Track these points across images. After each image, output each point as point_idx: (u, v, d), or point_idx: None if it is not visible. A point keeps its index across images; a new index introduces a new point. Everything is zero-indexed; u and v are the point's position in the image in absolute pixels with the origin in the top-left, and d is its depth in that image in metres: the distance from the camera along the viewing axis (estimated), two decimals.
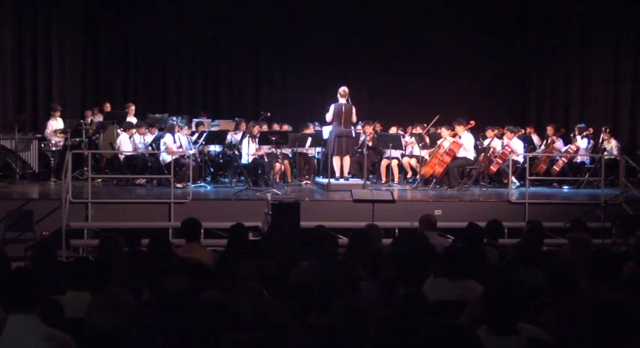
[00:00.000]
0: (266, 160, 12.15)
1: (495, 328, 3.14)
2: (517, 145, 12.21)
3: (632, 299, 3.94)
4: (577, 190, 11.98)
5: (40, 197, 10.02)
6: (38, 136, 12.22)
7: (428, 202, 10.34)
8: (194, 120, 13.45)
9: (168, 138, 11.63)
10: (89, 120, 13.31)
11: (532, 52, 16.38)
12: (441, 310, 4.21)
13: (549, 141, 13.02)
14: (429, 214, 7.14)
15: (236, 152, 11.93)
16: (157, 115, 13.39)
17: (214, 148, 12.50)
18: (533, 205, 10.20)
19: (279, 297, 4.15)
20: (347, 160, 11.52)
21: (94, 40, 15.18)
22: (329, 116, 11.23)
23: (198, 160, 11.90)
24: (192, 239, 5.97)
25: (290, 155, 12.76)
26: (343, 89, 11.23)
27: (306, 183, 12.33)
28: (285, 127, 13.24)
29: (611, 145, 12.79)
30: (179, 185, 10.94)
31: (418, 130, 12.81)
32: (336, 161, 11.48)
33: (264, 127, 12.68)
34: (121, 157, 11.96)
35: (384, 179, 12.51)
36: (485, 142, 12.42)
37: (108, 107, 13.48)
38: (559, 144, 13.08)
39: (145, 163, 11.85)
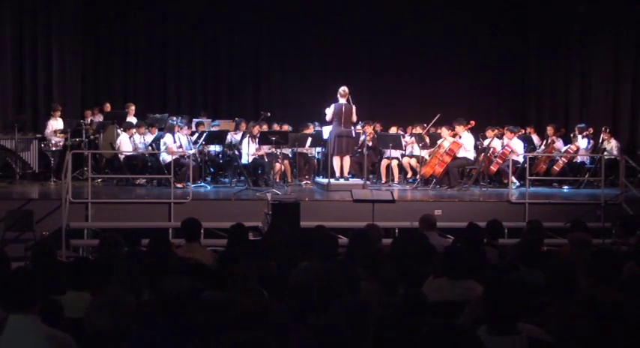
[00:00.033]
0: (266, 160, 12.15)
1: (495, 328, 3.14)
2: (517, 145, 12.21)
3: (632, 299, 3.94)
4: (577, 190, 11.98)
5: (40, 197, 10.02)
6: (38, 136, 12.22)
7: (428, 202, 10.34)
8: (194, 120, 13.45)
9: (168, 138, 11.64)
10: (89, 120, 13.32)
11: (532, 52, 16.38)
12: (441, 310, 4.21)
13: (549, 141, 13.02)
14: (428, 214, 7.14)
15: (236, 152, 11.93)
16: (157, 115, 13.39)
17: (214, 148, 12.50)
18: (533, 205, 10.20)
19: (279, 297, 4.16)
20: (347, 160, 11.52)
21: (94, 40, 15.19)
22: (328, 115, 11.23)
23: (198, 160, 11.90)
24: (192, 239, 5.97)
25: (290, 155, 12.76)
26: (343, 89, 11.22)
27: (306, 183, 12.33)
28: (285, 127, 13.24)
29: (611, 145, 12.79)
30: (179, 185, 10.94)
31: (418, 130, 12.81)
32: (336, 161, 11.48)
33: (264, 127, 12.68)
34: (121, 157, 11.96)
35: (384, 179, 12.51)
36: (486, 142, 12.42)
37: (108, 107, 13.48)
38: (559, 144, 13.08)
39: (145, 163, 11.85)
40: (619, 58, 14.59)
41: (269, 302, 3.88)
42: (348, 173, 11.58)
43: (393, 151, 12.41)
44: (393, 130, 13.61)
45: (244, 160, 11.90)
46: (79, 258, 8.19)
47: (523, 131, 13.55)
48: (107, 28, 15.27)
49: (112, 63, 15.44)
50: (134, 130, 12.16)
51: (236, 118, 13.14)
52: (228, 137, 12.22)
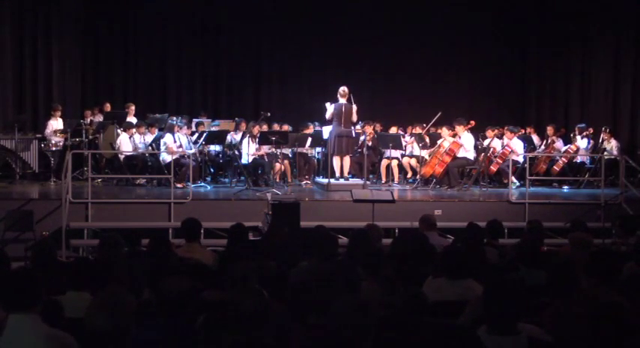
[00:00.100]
0: (266, 160, 12.15)
1: (495, 328, 3.14)
2: (517, 145, 12.21)
3: (632, 299, 3.94)
4: (577, 190, 11.98)
5: (40, 197, 10.02)
6: (38, 136, 12.22)
7: (428, 202, 10.34)
8: (194, 120, 13.45)
9: (168, 138, 11.64)
10: (89, 120, 13.32)
11: (532, 52, 16.39)
12: (441, 310, 4.21)
13: (549, 141, 13.03)
14: (428, 214, 7.15)
15: (236, 152, 11.93)
16: (157, 115, 13.39)
17: (214, 148, 12.50)
18: (533, 205, 10.20)
19: (279, 297, 4.15)
20: (347, 160, 11.52)
21: (94, 40, 15.19)
22: (328, 113, 11.24)
23: (199, 160, 11.90)
24: (192, 239, 5.97)
25: (290, 155, 12.76)
26: (343, 89, 11.23)
27: (306, 183, 12.33)
28: (285, 127, 13.24)
29: (611, 145, 12.79)
30: (179, 185, 10.94)
31: (418, 130, 12.82)
32: (336, 161, 11.48)
33: (264, 127, 12.69)
34: (121, 157, 11.97)
35: (384, 179, 12.51)
36: (486, 142, 12.42)
37: (108, 107, 13.49)
38: (559, 144, 13.08)
39: (145, 163, 11.85)
40: (619, 58, 14.59)
41: (269, 302, 3.88)
42: (348, 173, 11.58)
43: (393, 151, 12.41)
44: (393, 130, 13.61)
45: (244, 160, 11.90)
46: (79, 258, 8.19)
47: (523, 131, 13.55)
48: (107, 28, 15.28)
49: (112, 63, 15.45)
50: (134, 130, 12.16)
51: (236, 118, 13.14)
52: (228, 137, 12.22)
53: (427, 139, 12.26)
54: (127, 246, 5.63)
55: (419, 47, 16.04)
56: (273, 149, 12.05)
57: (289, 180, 12.39)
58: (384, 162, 12.59)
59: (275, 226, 7.74)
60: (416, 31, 15.90)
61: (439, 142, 11.99)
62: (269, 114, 12.60)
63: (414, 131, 12.99)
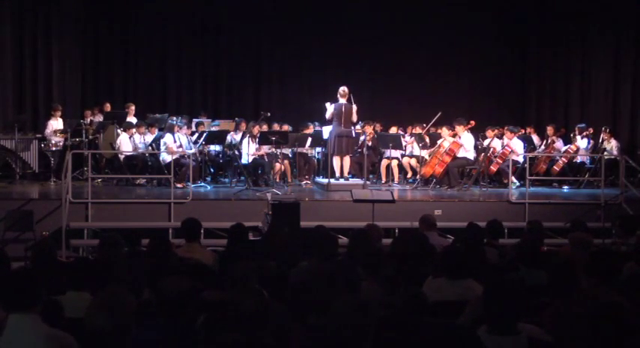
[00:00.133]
0: (266, 160, 12.15)
1: (495, 328, 3.14)
2: (517, 145, 12.21)
3: (632, 299, 3.94)
4: (577, 190, 11.98)
5: (40, 197, 10.02)
6: (38, 136, 12.22)
7: (428, 202, 10.34)
8: (194, 120, 13.45)
9: (168, 138, 11.64)
10: (89, 120, 13.33)
11: (532, 52, 16.39)
12: (441, 310, 4.21)
13: (549, 141, 13.03)
14: (428, 214, 7.15)
15: (236, 152, 11.93)
16: (157, 115, 13.39)
17: (214, 148, 12.50)
18: (533, 205, 10.19)
19: (279, 297, 4.15)
20: (347, 160, 11.52)
21: (94, 40, 15.19)
22: (328, 113, 11.24)
23: (199, 160, 11.90)
24: (192, 239, 5.97)
25: (290, 155, 12.76)
26: (343, 89, 11.23)
27: (306, 183, 12.33)
28: (285, 127, 13.24)
29: (611, 145, 12.79)
30: (179, 185, 10.94)
31: (418, 130, 12.82)
32: (336, 161, 11.48)
33: (264, 127, 12.69)
34: (121, 157, 11.97)
35: (384, 179, 12.51)
36: (485, 142, 12.42)
37: (108, 107, 13.49)
38: (559, 144, 13.08)
39: (145, 163, 11.86)
40: (619, 58, 14.59)
41: (269, 302, 3.88)
42: (348, 173, 11.59)
43: (393, 151, 12.41)
44: (393, 130, 13.61)
45: (244, 160, 11.90)
46: (79, 258, 8.19)
47: (523, 131, 13.55)
48: (107, 28, 15.28)
49: (112, 63, 15.44)
50: (134, 130, 12.16)
51: (236, 118, 13.14)
52: (228, 138, 12.22)
53: (427, 139, 12.26)
54: (127, 246, 5.63)
55: (419, 47, 16.03)
56: (273, 149, 12.05)
57: (289, 180, 12.39)
58: (384, 162, 12.59)
59: (275, 226, 7.75)
60: (416, 31, 15.90)
61: (439, 142, 11.99)
62: (269, 114, 12.60)
63: (414, 131, 12.99)
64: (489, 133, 12.42)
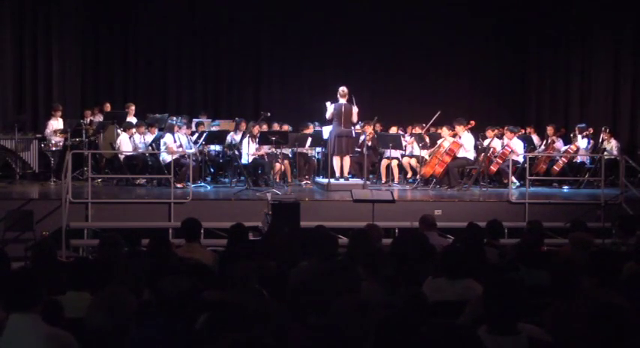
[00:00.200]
0: (266, 160, 12.15)
1: (495, 328, 3.14)
2: (517, 145, 12.21)
3: (632, 299, 3.94)
4: (577, 190, 11.98)
5: (40, 197, 10.02)
6: (38, 136, 12.22)
7: (428, 202, 10.34)
8: (194, 120, 13.45)
9: (168, 138, 11.64)
10: (89, 120, 13.33)
11: (532, 52, 16.39)
12: (441, 310, 4.21)
13: (549, 141, 13.03)
14: (428, 214, 7.15)
15: (236, 152, 11.93)
16: (157, 115, 13.40)
17: (214, 148, 12.50)
18: (533, 205, 10.19)
19: (279, 297, 4.15)
20: (347, 160, 11.52)
21: (94, 40, 15.19)
22: (328, 113, 11.25)
23: (199, 160, 11.90)
24: (192, 239, 5.97)
25: (290, 155, 12.76)
26: (343, 89, 11.23)
27: (306, 183, 12.33)
28: (285, 127, 13.24)
29: (611, 145, 12.79)
30: (179, 185, 10.94)
31: (418, 130, 12.82)
32: (336, 161, 11.48)
33: (264, 127, 12.69)
34: (121, 157, 11.97)
35: (384, 179, 12.51)
36: (485, 142, 12.42)
37: (108, 107, 13.49)
38: (559, 144, 13.08)
39: (145, 163, 11.86)
40: (619, 58, 14.59)
41: (269, 302, 3.88)
42: (348, 173, 11.59)
43: (393, 151, 12.41)
44: (393, 130, 13.61)
45: (244, 160, 11.90)
46: (79, 258, 8.19)
47: (523, 131, 13.55)
48: (107, 28, 15.28)
49: (112, 63, 15.45)
50: (134, 130, 12.16)
51: (236, 118, 13.13)
52: (228, 138, 12.22)
53: (427, 139, 12.26)
54: (127, 246, 5.63)
55: (419, 47, 16.03)
56: (273, 149, 12.05)
57: (289, 180, 12.39)
58: (384, 162, 12.59)
59: (275, 226, 7.75)
60: (416, 32, 15.90)
61: (439, 142, 11.99)
62: (269, 114, 12.59)
63: (414, 131, 12.99)
64: (489, 133, 12.42)
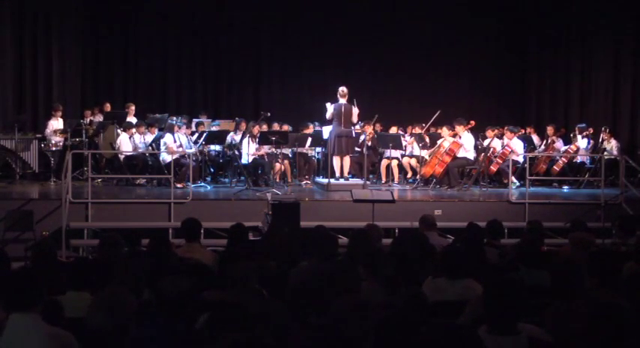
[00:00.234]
0: (266, 160, 12.15)
1: (495, 328, 3.14)
2: (517, 145, 12.21)
3: (632, 299, 3.94)
4: (577, 190, 11.98)
5: (40, 197, 10.02)
6: (38, 136, 12.22)
7: (428, 202, 10.34)
8: (194, 120, 13.46)
9: (168, 138, 11.64)
10: (89, 120, 13.33)
11: (532, 51, 16.40)
12: (441, 310, 4.21)
13: (549, 141, 13.03)
14: (428, 214, 7.14)
15: (236, 152, 11.93)
16: (157, 115, 13.40)
17: (214, 148, 12.50)
18: (533, 205, 10.19)
19: (279, 297, 4.15)
20: (347, 160, 11.53)
21: (94, 40, 15.20)
22: (328, 113, 11.25)
23: (199, 160, 11.90)
24: (192, 239, 5.97)
25: (290, 155, 12.76)
26: (342, 89, 11.24)
27: (306, 183, 12.33)
28: (285, 127, 13.25)
29: (611, 145, 12.79)
30: (179, 185, 10.94)
31: (418, 130, 12.82)
32: (336, 161, 11.48)
33: (264, 127, 12.69)
34: (121, 157, 11.97)
35: (384, 179, 12.51)
36: (485, 142, 12.42)
37: (108, 107, 13.50)
38: (559, 144, 13.08)
39: (145, 163, 11.86)
40: (619, 58, 14.59)
41: (269, 302, 3.87)
42: (348, 173, 11.59)
43: (393, 151, 12.41)
44: (393, 130, 13.61)
45: (244, 160, 11.90)
46: (79, 258, 8.19)
47: (523, 131, 13.56)
48: (107, 28, 15.29)
49: (112, 63, 15.46)
50: (134, 130, 12.16)
51: (236, 118, 13.14)
52: (228, 138, 12.22)
53: (427, 139, 12.26)
54: (127, 246, 5.63)
55: (419, 47, 16.04)
56: (273, 149, 12.05)
57: (289, 180, 12.39)
58: (384, 162, 12.59)
59: (275, 226, 7.74)
60: (416, 32, 15.90)
61: (439, 142, 11.99)
62: (269, 114, 12.60)
63: (414, 131, 12.99)
64: (489, 133, 12.42)
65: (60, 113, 12.35)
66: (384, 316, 3.47)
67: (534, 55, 16.35)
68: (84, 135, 12.32)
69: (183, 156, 11.47)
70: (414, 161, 12.58)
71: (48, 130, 12.19)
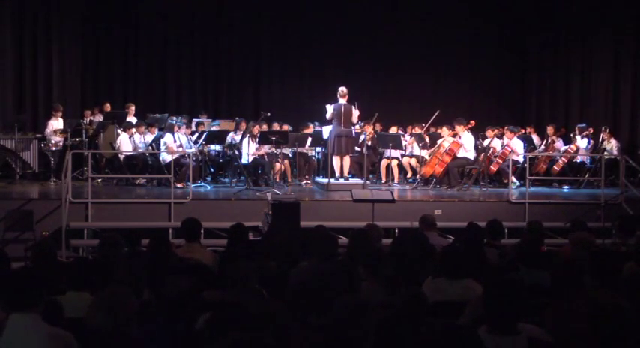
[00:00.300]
0: (266, 160, 12.15)
1: (495, 328, 3.14)
2: (517, 145, 12.21)
3: (632, 299, 3.94)
4: (577, 190, 11.98)
5: (40, 197, 10.01)
6: (38, 136, 12.22)
7: (428, 202, 10.34)
8: (194, 120, 13.46)
9: (168, 138, 11.64)
10: (89, 120, 13.33)
11: (532, 52, 16.39)
12: (441, 310, 4.21)
13: (549, 141, 13.03)
14: (428, 214, 7.14)
15: (236, 152, 11.93)
16: (157, 115, 13.40)
17: (214, 148, 12.50)
18: (533, 205, 10.19)
19: (279, 297, 4.15)
20: (347, 160, 11.53)
21: (94, 40, 15.20)
22: (328, 114, 11.26)
23: (199, 160, 11.90)
24: (192, 239, 5.97)
25: (290, 155, 12.76)
26: (342, 89, 11.24)
27: (306, 183, 12.33)
28: (285, 127, 13.25)
29: (611, 145, 12.79)
30: (179, 185, 10.94)
31: (418, 130, 12.82)
32: (336, 161, 11.48)
33: (264, 127, 12.69)
34: (121, 157, 11.97)
35: (384, 179, 12.51)
36: (485, 142, 12.42)
37: (108, 107, 13.50)
38: (559, 144, 13.08)
39: (145, 163, 11.86)
40: (619, 58, 14.59)
41: (269, 302, 3.88)
42: (348, 173, 11.59)
43: (393, 151, 12.41)
44: (393, 130, 13.61)
45: (244, 160, 11.90)
46: (79, 258, 8.19)
47: (523, 131, 13.55)
48: (107, 28, 15.28)
49: (112, 63, 15.46)
50: (134, 130, 12.16)
51: (236, 118, 13.14)
52: (228, 138, 12.22)
53: (427, 139, 12.26)
54: (127, 246, 5.63)
55: (419, 47, 16.03)
56: (273, 149, 12.05)
57: (289, 180, 12.39)
58: (384, 162, 12.59)
59: (275, 226, 7.75)
60: (416, 32, 15.91)
61: (439, 142, 11.98)
62: (269, 114, 12.59)
63: (414, 131, 12.99)
64: (489, 133, 12.42)
65: (60, 113, 12.35)
66: (384, 316, 3.47)
67: (534, 55, 16.35)
68: (84, 135, 12.32)
69: (183, 156, 11.47)
70: (414, 161, 12.58)
71: (48, 130, 12.19)
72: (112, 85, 15.43)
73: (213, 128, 13.02)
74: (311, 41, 16.02)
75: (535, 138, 13.67)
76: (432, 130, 12.92)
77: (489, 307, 3.20)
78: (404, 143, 12.61)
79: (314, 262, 5.12)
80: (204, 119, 13.82)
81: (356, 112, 11.27)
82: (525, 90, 16.59)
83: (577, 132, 12.97)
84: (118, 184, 11.86)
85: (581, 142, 12.74)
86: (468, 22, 16.00)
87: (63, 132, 12.00)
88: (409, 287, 4.23)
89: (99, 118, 13.35)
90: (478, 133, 12.73)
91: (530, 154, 12.23)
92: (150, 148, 11.98)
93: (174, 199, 9.64)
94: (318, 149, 12.99)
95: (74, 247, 9.03)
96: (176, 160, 11.04)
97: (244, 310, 3.37)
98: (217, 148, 12.47)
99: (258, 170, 12.22)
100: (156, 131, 12.31)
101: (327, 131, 11.92)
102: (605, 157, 11.50)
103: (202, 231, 7.09)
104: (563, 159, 12.58)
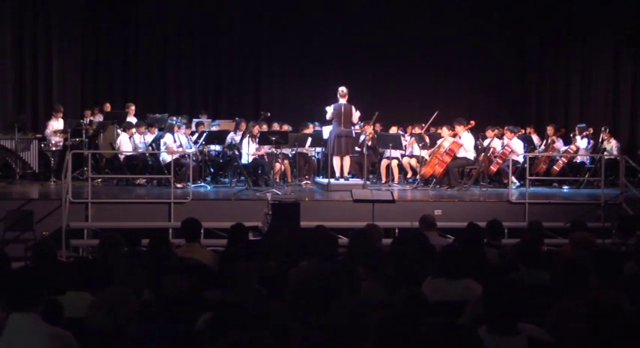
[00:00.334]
0: (266, 160, 12.15)
1: (495, 328, 3.14)
2: (517, 145, 12.21)
3: (632, 299, 3.94)
4: (577, 190, 11.98)
5: (40, 197, 10.02)
6: (38, 136, 12.22)
7: (428, 202, 10.34)
8: (194, 120, 13.46)
9: (168, 138, 11.64)
10: (89, 120, 13.33)
11: (532, 51, 16.39)
12: (441, 310, 4.21)
13: (549, 141, 13.03)
14: (428, 214, 7.15)
15: (236, 152, 11.93)
16: (157, 115, 13.40)
17: (214, 148, 12.50)
18: (533, 205, 10.19)
19: (279, 297, 4.15)
20: (347, 160, 11.53)
21: (94, 40, 15.19)
22: (328, 114, 11.26)
23: (199, 160, 11.91)
24: (192, 239, 5.97)
25: (290, 155, 12.76)
26: (342, 89, 11.25)
27: (306, 183, 12.33)
28: (285, 127, 13.25)
29: (611, 145, 12.79)
30: (179, 185, 10.94)
31: (418, 130, 12.82)
32: (336, 161, 11.48)
33: (264, 127, 12.69)
34: (121, 157, 11.97)
35: (384, 179, 12.51)
36: (485, 142, 12.42)
37: (108, 107, 13.50)
38: (559, 144, 13.08)
39: (145, 163, 11.86)
40: (619, 58, 14.59)
41: (269, 302, 3.87)
42: (348, 173, 11.59)
43: (393, 151, 12.41)
44: (393, 130, 13.61)
45: (244, 160, 11.90)
46: (79, 258, 8.19)
47: (523, 131, 13.56)
48: (107, 28, 15.28)
49: (112, 63, 15.45)
50: (134, 130, 12.16)
51: (236, 118, 13.14)
52: (228, 138, 12.22)
53: (427, 139, 12.26)
54: (127, 246, 5.63)
55: (419, 47, 16.03)
56: (273, 149, 12.05)
57: (289, 180, 12.39)
58: (384, 162, 12.59)
59: (275, 226, 7.74)
60: (416, 32, 15.90)
61: (439, 142, 11.99)
62: (269, 114, 12.59)
63: (414, 131, 12.99)
64: (489, 133, 12.42)
65: (61, 114, 12.34)
66: (384, 316, 3.47)
67: (534, 55, 16.35)
68: (84, 135, 12.32)
69: (183, 156, 11.47)
70: (414, 161, 12.58)
71: (48, 130, 12.19)
72: (112, 85, 15.43)
73: (213, 128, 13.02)
74: (311, 41, 16.02)
75: (535, 138, 13.67)
76: (432, 130, 12.92)
77: (489, 307, 3.20)
78: (404, 143, 12.62)
79: (314, 262, 5.12)
80: (204, 119, 13.82)
81: (357, 114, 11.29)
82: (525, 90, 16.58)
83: (577, 132, 12.98)
84: (118, 184, 11.86)
85: (581, 142, 12.74)
86: (468, 22, 16.00)
87: (63, 132, 12.00)
88: (409, 287, 4.23)
89: (99, 118, 13.35)
90: (478, 133, 12.73)
91: (530, 154, 12.24)
92: (150, 148, 11.98)
93: (174, 199, 9.64)
94: (318, 149, 12.99)
95: (74, 247, 9.03)
96: (176, 160, 11.04)
97: (244, 310, 3.37)
98: (217, 148, 12.47)
99: (258, 170, 12.22)
100: (156, 131, 12.31)
101: (327, 131, 11.92)
102: (605, 157, 11.50)
103: (202, 231, 7.09)
104: (563, 159, 12.58)
